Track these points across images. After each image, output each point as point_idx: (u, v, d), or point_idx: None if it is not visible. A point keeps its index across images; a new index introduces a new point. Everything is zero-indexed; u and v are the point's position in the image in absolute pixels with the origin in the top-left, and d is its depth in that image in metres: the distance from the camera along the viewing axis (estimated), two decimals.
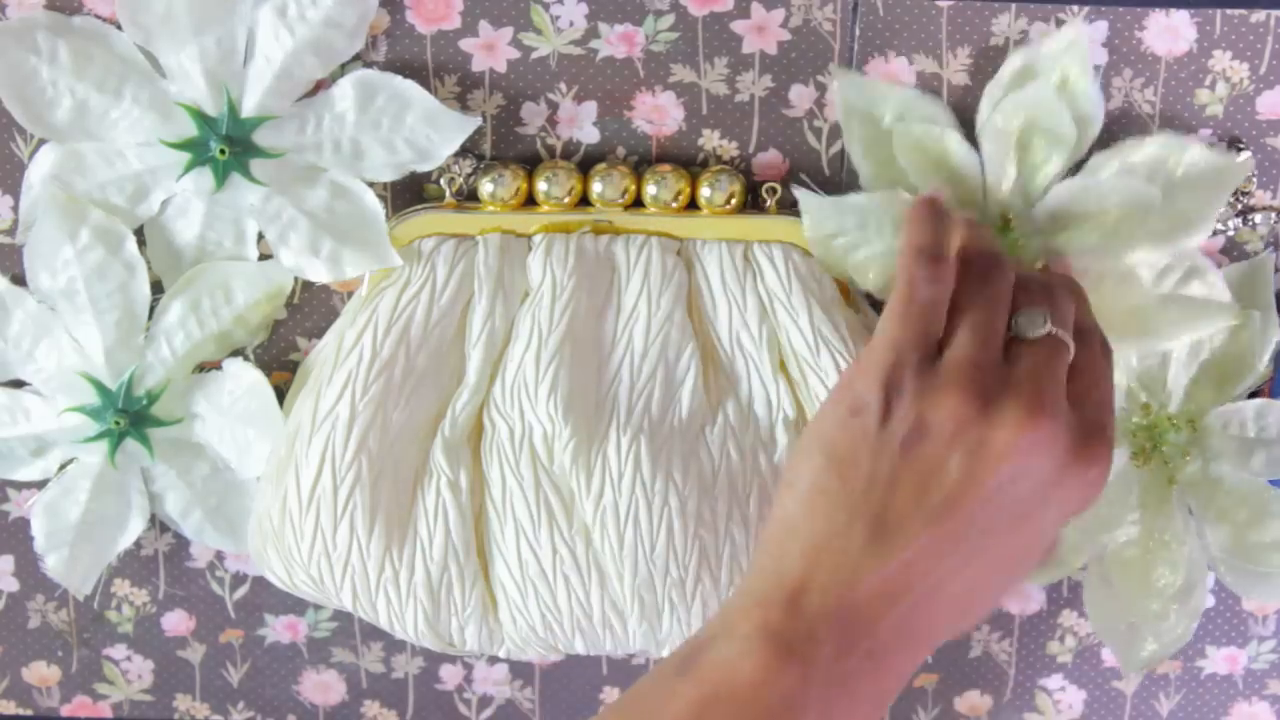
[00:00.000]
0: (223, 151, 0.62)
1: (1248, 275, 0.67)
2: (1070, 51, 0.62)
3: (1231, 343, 0.66)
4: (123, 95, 0.62)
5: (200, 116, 0.62)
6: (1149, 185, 0.62)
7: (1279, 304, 0.67)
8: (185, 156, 0.63)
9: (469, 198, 0.66)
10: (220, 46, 0.62)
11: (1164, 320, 0.64)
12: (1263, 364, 0.67)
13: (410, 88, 0.63)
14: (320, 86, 0.63)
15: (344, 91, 0.63)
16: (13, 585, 0.73)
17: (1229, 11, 0.63)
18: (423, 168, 0.64)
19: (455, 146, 0.64)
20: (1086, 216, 0.63)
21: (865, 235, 0.63)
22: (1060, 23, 0.63)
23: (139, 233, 0.65)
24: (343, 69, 0.64)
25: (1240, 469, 0.67)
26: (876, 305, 0.68)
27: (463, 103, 0.65)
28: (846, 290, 0.66)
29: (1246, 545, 0.67)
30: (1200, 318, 0.65)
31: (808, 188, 0.64)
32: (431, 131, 0.63)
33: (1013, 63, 0.63)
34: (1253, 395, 0.68)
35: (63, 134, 0.63)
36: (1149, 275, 0.64)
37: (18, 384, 0.67)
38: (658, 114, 0.65)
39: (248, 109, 0.62)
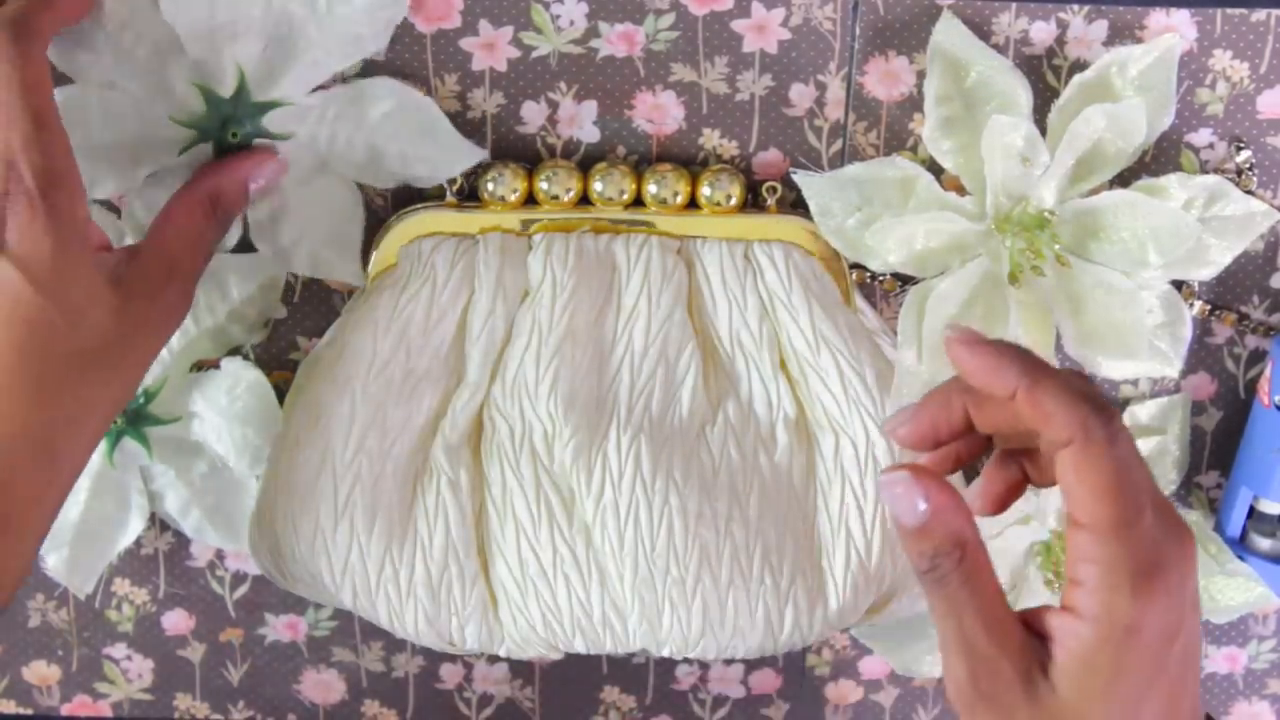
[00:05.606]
0: (234, 135, 0.62)
1: (1166, 410, 0.69)
2: (1158, 67, 0.62)
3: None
4: (148, 62, 0.60)
5: (212, 96, 0.62)
6: (1192, 217, 0.62)
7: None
8: (190, 133, 0.62)
9: (469, 197, 0.66)
10: (243, 30, 0.61)
11: (1139, 348, 0.65)
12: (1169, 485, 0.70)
13: (427, 105, 0.63)
14: (336, 81, 0.63)
15: (360, 92, 0.63)
16: None
17: (1229, 11, 0.63)
18: (420, 185, 0.64)
19: (456, 173, 0.64)
20: (1117, 229, 0.63)
21: (873, 210, 0.64)
22: (1061, 23, 0.63)
23: (137, 233, 0.65)
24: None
25: None
26: (884, 291, 0.68)
27: (463, 102, 0.65)
28: (847, 290, 0.66)
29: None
30: (1154, 362, 0.66)
31: (805, 168, 0.64)
32: (437, 154, 0.63)
33: (1106, 60, 0.62)
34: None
35: (86, 74, 0.60)
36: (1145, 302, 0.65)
37: None
38: (658, 113, 0.65)
39: (261, 94, 0.62)
